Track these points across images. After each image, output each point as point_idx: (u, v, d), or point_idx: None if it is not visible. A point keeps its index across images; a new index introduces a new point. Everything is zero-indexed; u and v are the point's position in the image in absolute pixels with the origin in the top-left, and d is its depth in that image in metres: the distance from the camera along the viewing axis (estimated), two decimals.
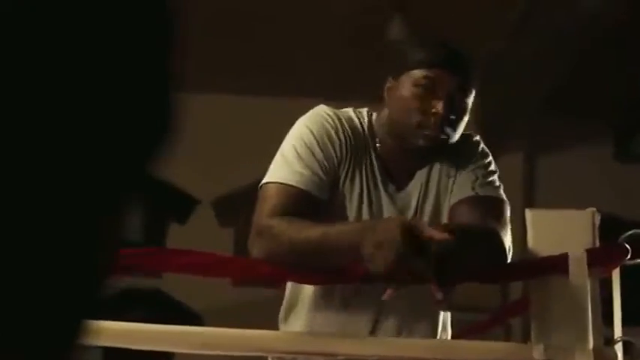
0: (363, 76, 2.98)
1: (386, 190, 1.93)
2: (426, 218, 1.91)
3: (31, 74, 0.48)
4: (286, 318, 1.98)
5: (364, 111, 2.00)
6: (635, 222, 2.74)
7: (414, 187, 1.94)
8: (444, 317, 1.99)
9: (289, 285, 1.99)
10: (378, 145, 1.95)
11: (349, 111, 1.99)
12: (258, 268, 1.84)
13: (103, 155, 0.52)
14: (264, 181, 1.88)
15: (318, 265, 1.78)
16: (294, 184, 1.83)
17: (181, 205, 6.66)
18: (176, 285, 6.09)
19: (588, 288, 1.72)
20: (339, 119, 1.93)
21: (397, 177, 1.95)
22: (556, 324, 1.73)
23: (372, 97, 2.25)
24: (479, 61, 2.08)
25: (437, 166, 1.95)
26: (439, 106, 1.83)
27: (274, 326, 1.98)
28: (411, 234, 1.57)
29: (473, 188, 1.91)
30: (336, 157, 1.90)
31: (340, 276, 1.80)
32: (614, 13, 5.07)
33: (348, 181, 1.91)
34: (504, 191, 1.95)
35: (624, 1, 5.01)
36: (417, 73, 1.87)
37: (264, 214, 1.81)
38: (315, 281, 1.88)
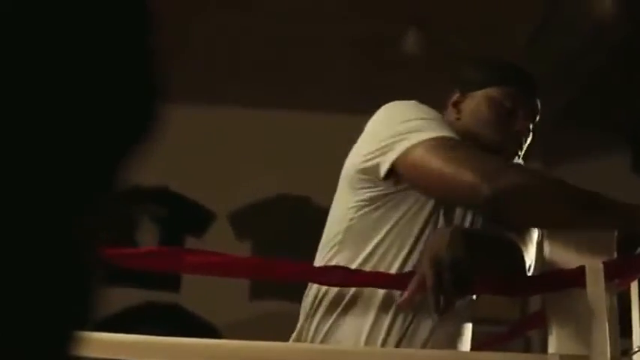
0: (379, 91, 2.99)
1: None
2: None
3: (3, 72, 0.48)
4: (333, 319, 1.86)
5: None
6: None
7: None
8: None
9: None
10: None
11: None
12: (275, 268, 1.83)
13: (75, 153, 0.51)
14: (417, 140, 1.79)
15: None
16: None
17: (197, 219, 6.66)
18: (194, 299, 6.09)
19: (605, 300, 1.72)
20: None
21: None
22: (573, 336, 1.72)
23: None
24: None
25: None
26: (523, 126, 1.95)
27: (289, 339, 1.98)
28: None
29: None
30: None
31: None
32: (631, 25, 5.05)
33: None
34: None
35: None
36: (500, 90, 1.96)
37: (478, 154, 1.79)
38: (334, 282, 1.82)
